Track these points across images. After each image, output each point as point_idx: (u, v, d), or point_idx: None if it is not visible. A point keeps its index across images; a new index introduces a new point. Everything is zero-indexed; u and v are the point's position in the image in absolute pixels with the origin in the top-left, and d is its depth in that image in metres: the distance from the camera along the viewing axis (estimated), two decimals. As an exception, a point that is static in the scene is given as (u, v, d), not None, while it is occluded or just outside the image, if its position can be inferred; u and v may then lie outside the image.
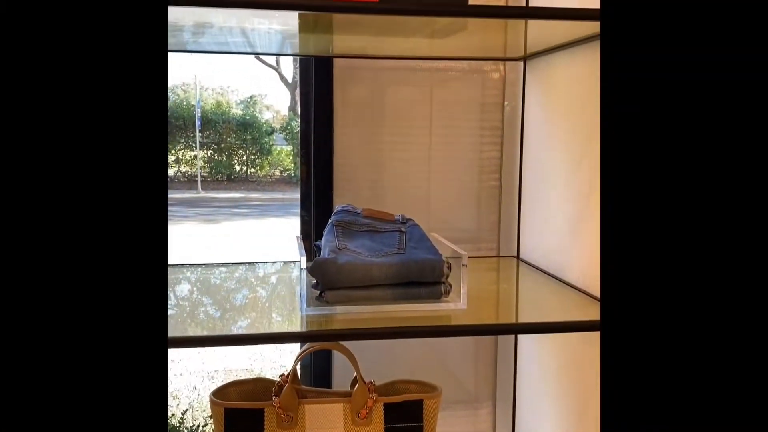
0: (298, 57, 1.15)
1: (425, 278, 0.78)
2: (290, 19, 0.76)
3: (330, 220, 0.90)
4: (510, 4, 1.14)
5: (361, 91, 1.14)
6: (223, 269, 1.07)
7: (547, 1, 1.01)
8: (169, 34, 0.86)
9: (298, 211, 1.22)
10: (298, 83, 1.19)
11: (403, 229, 0.88)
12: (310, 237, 1.19)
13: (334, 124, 1.15)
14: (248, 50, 1.05)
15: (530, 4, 1.07)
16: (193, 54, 1.09)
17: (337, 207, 0.93)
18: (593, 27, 0.77)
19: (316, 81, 1.14)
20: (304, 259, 0.77)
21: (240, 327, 0.77)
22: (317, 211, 1.18)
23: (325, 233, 0.88)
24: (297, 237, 0.91)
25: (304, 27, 0.81)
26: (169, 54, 0.98)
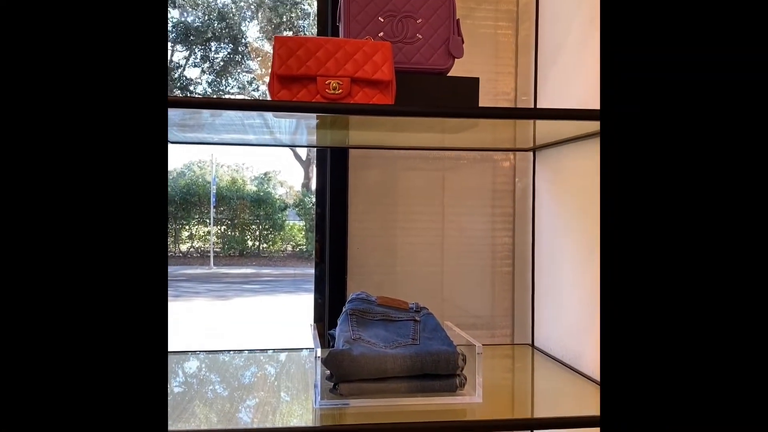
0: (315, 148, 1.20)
1: (440, 371, 0.78)
2: (309, 119, 0.80)
3: (344, 309, 0.91)
4: (519, 101, 1.19)
5: (375, 177, 1.17)
6: (234, 357, 1.07)
7: (555, 97, 1.06)
8: (190, 124, 0.91)
9: (309, 287, 1.23)
10: (314, 165, 1.23)
11: (417, 318, 0.88)
12: (323, 320, 1.19)
13: (348, 210, 1.18)
14: (266, 143, 1.10)
15: (538, 101, 1.12)
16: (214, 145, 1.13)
17: (351, 295, 0.94)
18: (597, 125, 0.81)
19: (332, 167, 1.18)
20: (319, 350, 0.77)
21: (253, 418, 0.77)
22: (331, 295, 1.19)
23: (339, 322, 0.88)
24: (311, 325, 0.92)
25: (321, 125, 0.85)
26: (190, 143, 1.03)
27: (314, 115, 0.75)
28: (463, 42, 0.84)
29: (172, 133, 0.98)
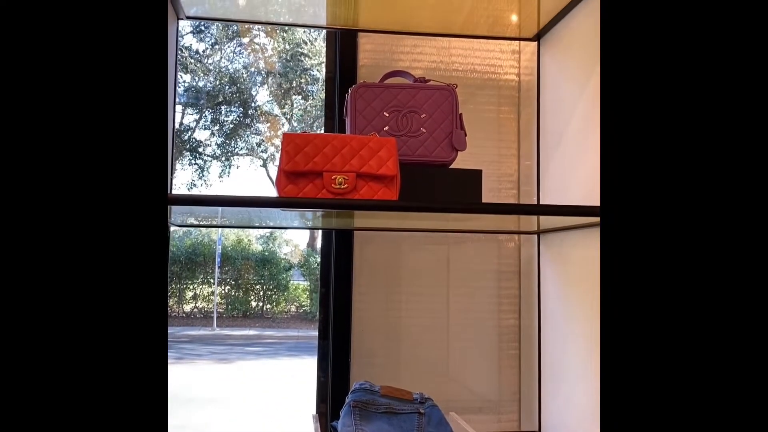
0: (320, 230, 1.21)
1: (445, 470, 0.75)
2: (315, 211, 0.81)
3: (347, 400, 0.89)
4: (522, 191, 1.21)
5: (379, 255, 1.18)
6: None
7: (558, 183, 1.07)
8: (194, 214, 0.92)
9: (312, 350, 1.21)
10: (320, 248, 1.24)
11: (421, 411, 0.86)
12: (326, 401, 1.17)
13: (353, 291, 1.17)
14: (271, 226, 1.11)
15: (541, 186, 1.13)
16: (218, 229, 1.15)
17: (354, 384, 0.93)
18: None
19: (337, 246, 1.18)
20: (320, 448, 0.75)
21: None
22: (334, 375, 1.17)
23: (342, 415, 0.86)
24: (313, 417, 0.90)
25: (327, 214, 0.86)
26: (193, 226, 1.04)
27: (320, 210, 0.76)
28: (465, 135, 0.86)
29: (181, 213, 0.99)
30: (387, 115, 0.85)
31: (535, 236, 1.15)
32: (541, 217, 0.94)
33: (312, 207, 0.72)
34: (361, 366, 1.15)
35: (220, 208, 0.87)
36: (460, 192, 0.83)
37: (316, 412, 1.12)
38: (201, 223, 1.05)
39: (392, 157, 0.77)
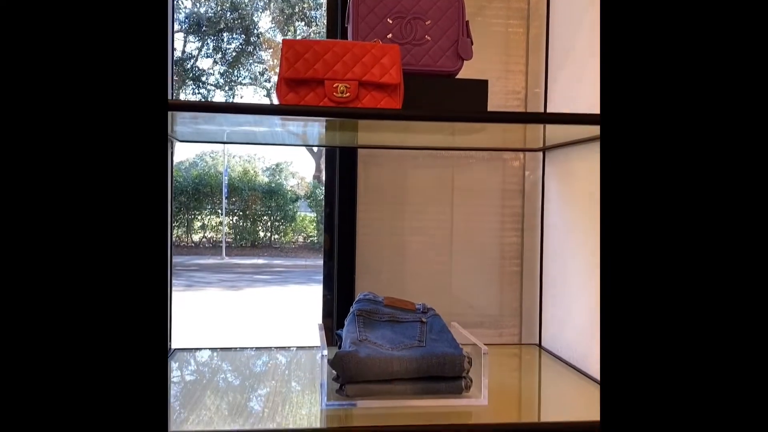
0: (324, 148, 1.20)
1: (446, 373, 0.78)
2: (317, 122, 0.80)
3: (352, 309, 0.91)
4: (530, 97, 1.18)
5: (383, 175, 1.18)
6: (242, 354, 1.08)
7: (565, 97, 1.05)
8: (205, 119, 0.91)
9: (319, 278, 1.24)
10: (324, 161, 1.24)
11: (423, 320, 0.89)
12: (332, 316, 1.20)
13: (357, 210, 1.18)
14: (276, 142, 1.10)
15: (549, 100, 1.11)
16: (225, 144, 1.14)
17: (359, 295, 0.95)
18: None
19: (341, 165, 1.18)
20: (326, 351, 0.77)
21: (260, 419, 0.77)
22: (339, 292, 1.19)
23: (346, 323, 0.89)
24: (319, 325, 0.92)
25: (330, 127, 0.85)
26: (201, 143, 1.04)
27: (322, 119, 0.75)
28: (472, 44, 0.84)
29: (185, 126, 0.99)
30: (390, 21, 0.82)
31: (540, 154, 1.14)
32: (547, 132, 0.93)
33: (313, 115, 0.71)
34: (365, 283, 1.17)
35: (226, 129, 0.86)
36: (465, 103, 0.82)
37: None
38: (205, 139, 1.04)
39: (395, 65, 0.75)
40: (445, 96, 0.81)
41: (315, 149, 11.97)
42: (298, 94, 0.74)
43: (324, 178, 1.23)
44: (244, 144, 1.10)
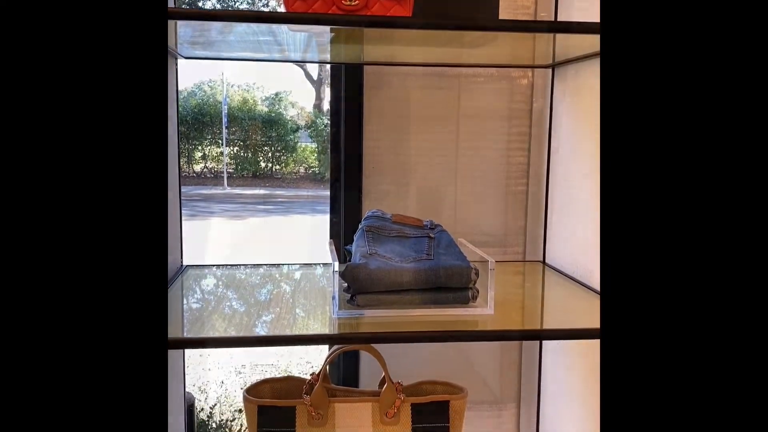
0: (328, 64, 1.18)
1: (453, 284, 0.80)
2: (324, 33, 0.79)
3: (360, 225, 0.93)
4: (540, 15, 1.15)
5: (389, 96, 1.16)
6: (252, 271, 1.10)
7: (578, 10, 1.02)
8: (200, 41, 0.89)
9: (322, 208, 1.26)
10: (329, 86, 1.22)
11: (431, 235, 0.90)
12: (338, 238, 1.22)
13: (363, 129, 1.17)
14: (279, 57, 1.08)
15: (559, 15, 1.08)
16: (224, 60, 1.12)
17: (367, 212, 0.96)
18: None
19: (347, 85, 1.16)
20: (337, 264, 0.79)
21: (271, 328, 0.80)
22: (346, 215, 1.21)
23: (355, 238, 0.90)
24: (330, 242, 0.94)
25: (336, 39, 0.84)
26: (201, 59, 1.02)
27: (329, 28, 0.73)
28: (483, -50, 0.81)
29: (183, 49, 0.97)
30: (399, -75, 0.79)
31: (550, 71, 1.12)
32: (557, 47, 0.91)
33: (321, 23, 0.69)
34: (372, 206, 1.18)
35: (231, 39, 0.84)
36: (476, 13, 0.80)
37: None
38: (209, 55, 1.02)
39: (405, -28, 0.73)
40: (455, 5, 0.79)
41: (315, 77, 11.74)
42: (306, 3, 0.72)
43: (326, 104, 1.22)
44: (248, 60, 1.07)
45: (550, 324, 0.83)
